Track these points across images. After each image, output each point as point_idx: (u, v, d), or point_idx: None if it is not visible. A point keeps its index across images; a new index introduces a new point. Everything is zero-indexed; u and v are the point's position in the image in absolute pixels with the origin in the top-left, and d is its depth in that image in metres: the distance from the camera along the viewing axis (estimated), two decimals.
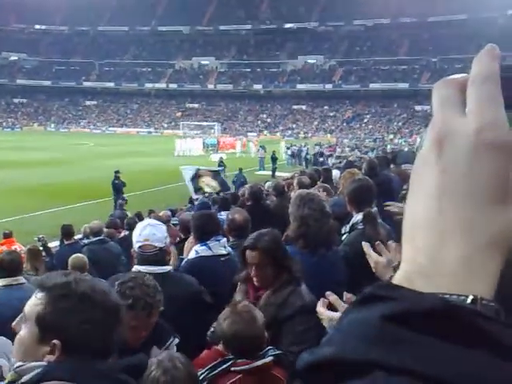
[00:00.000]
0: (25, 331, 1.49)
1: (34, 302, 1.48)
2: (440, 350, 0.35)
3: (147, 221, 3.85)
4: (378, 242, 2.49)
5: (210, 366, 2.47)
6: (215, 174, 16.91)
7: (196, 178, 16.39)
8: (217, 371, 2.43)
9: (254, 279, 2.97)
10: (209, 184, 16.08)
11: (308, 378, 0.39)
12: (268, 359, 2.48)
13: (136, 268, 3.29)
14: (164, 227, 3.54)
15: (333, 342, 0.40)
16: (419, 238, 0.42)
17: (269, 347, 2.55)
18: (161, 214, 10.08)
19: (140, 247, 3.30)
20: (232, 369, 2.42)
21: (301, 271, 3.07)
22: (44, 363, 1.44)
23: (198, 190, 16.13)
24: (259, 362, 2.45)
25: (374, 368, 0.36)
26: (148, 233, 3.32)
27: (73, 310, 1.44)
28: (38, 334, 1.46)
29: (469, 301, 0.37)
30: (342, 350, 0.38)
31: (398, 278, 0.42)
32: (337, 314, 2.35)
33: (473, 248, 0.39)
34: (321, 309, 2.41)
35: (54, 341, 1.43)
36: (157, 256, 3.30)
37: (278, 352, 2.55)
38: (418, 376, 0.35)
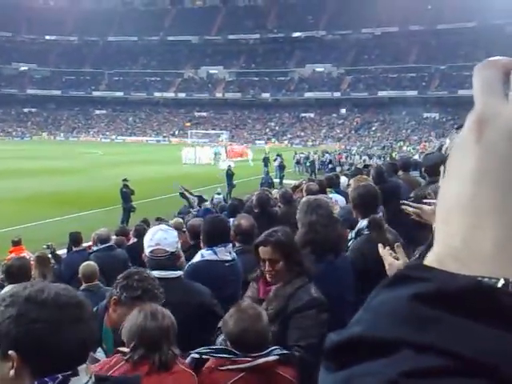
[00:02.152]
0: None
1: None
2: (470, 329, 0.36)
3: (158, 226, 3.88)
4: (398, 243, 2.50)
5: (213, 347, 2.52)
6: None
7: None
8: (218, 355, 2.46)
9: (267, 275, 3.04)
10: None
11: (336, 358, 0.38)
12: (271, 358, 2.48)
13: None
14: (175, 232, 3.56)
15: (361, 321, 0.40)
16: (453, 222, 0.41)
17: (275, 347, 2.55)
18: (172, 221, 10.07)
19: (151, 252, 3.31)
20: (235, 366, 2.43)
21: (313, 269, 3.12)
22: None
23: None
24: (261, 360, 2.45)
25: (402, 346, 0.36)
26: (159, 237, 3.34)
27: (18, 314, 1.40)
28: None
29: (500, 284, 0.37)
30: (371, 328, 0.38)
31: (429, 260, 0.42)
32: (398, 262, 2.37)
33: (508, 232, 0.39)
34: (384, 252, 2.42)
35: (9, 352, 1.39)
36: (168, 260, 3.31)
37: (284, 352, 2.55)
38: (446, 354, 0.35)
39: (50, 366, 1.41)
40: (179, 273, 3.37)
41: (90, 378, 1.49)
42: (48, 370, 1.41)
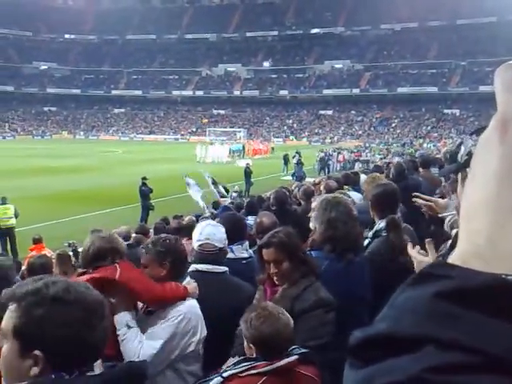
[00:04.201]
0: (5, 347, 1.44)
1: (9, 315, 1.43)
2: (493, 326, 0.36)
3: (207, 221, 3.97)
4: (428, 239, 2.45)
5: (232, 362, 2.49)
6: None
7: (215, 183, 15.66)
8: (241, 368, 2.43)
9: (274, 277, 3.03)
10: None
11: (360, 355, 0.39)
12: (292, 358, 2.46)
13: (194, 266, 3.36)
14: (223, 228, 3.63)
15: (386, 318, 0.40)
16: (477, 220, 0.42)
17: (294, 346, 2.53)
18: (186, 219, 10.13)
19: (200, 246, 3.38)
20: (256, 371, 2.40)
21: (318, 268, 3.11)
22: None
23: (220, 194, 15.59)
24: (282, 362, 2.42)
25: (426, 343, 0.36)
26: (209, 232, 3.43)
27: (47, 315, 1.38)
28: (18, 348, 1.41)
29: None
30: (396, 325, 0.38)
31: (453, 259, 0.42)
32: (427, 259, 2.34)
33: None
34: (412, 252, 2.40)
35: (35, 352, 1.38)
36: (217, 255, 3.39)
37: (303, 350, 2.53)
38: (470, 351, 0.35)
39: (72, 363, 1.42)
40: (224, 268, 3.42)
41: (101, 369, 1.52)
42: (68, 366, 1.42)
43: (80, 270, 2.93)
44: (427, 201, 2.75)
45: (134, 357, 2.64)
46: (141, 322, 2.83)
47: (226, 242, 3.55)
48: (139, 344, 2.69)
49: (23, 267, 6.99)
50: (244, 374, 2.41)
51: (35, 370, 1.39)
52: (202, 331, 2.88)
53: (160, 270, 2.91)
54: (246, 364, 2.44)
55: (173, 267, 2.92)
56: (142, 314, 2.92)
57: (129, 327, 2.73)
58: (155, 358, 2.67)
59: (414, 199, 2.85)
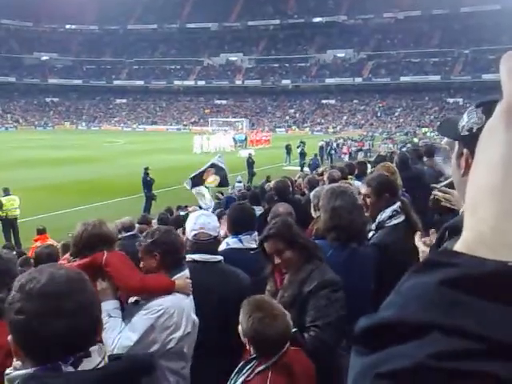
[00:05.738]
0: None
1: None
2: (498, 313, 0.36)
3: (200, 211, 3.96)
4: (432, 229, 2.45)
5: (235, 370, 2.49)
6: (217, 169, 15.26)
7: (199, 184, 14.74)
8: (246, 373, 2.42)
9: (281, 266, 3.08)
10: (209, 180, 14.50)
11: (366, 342, 0.39)
12: (286, 346, 2.47)
13: (190, 256, 3.33)
14: (215, 217, 3.64)
15: (392, 305, 0.40)
16: (482, 208, 0.42)
17: None
18: (190, 209, 10.15)
19: (195, 235, 3.38)
20: (261, 368, 2.40)
21: (320, 251, 3.15)
22: (23, 372, 1.42)
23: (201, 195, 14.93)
24: (281, 352, 2.45)
25: (431, 330, 0.36)
26: (203, 221, 3.43)
27: (10, 302, 1.44)
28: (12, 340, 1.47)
29: None
30: (401, 312, 0.39)
31: (458, 247, 0.42)
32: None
33: None
34: (419, 242, 2.40)
35: (8, 337, 1.44)
36: (211, 244, 3.40)
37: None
38: (475, 337, 0.35)
39: (46, 354, 1.41)
40: (220, 257, 3.43)
41: (104, 358, 1.50)
42: (46, 358, 1.41)
43: (69, 257, 2.93)
44: (446, 193, 2.71)
45: (111, 347, 2.60)
46: (127, 311, 2.81)
47: (220, 230, 3.57)
48: (118, 335, 2.66)
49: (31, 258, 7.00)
50: (252, 377, 2.40)
51: (14, 358, 1.45)
52: (186, 328, 2.80)
53: (151, 261, 2.90)
54: (249, 367, 2.44)
55: (163, 258, 2.89)
56: (129, 303, 2.90)
57: (109, 316, 2.70)
58: (131, 350, 2.63)
59: (433, 192, 2.81)
